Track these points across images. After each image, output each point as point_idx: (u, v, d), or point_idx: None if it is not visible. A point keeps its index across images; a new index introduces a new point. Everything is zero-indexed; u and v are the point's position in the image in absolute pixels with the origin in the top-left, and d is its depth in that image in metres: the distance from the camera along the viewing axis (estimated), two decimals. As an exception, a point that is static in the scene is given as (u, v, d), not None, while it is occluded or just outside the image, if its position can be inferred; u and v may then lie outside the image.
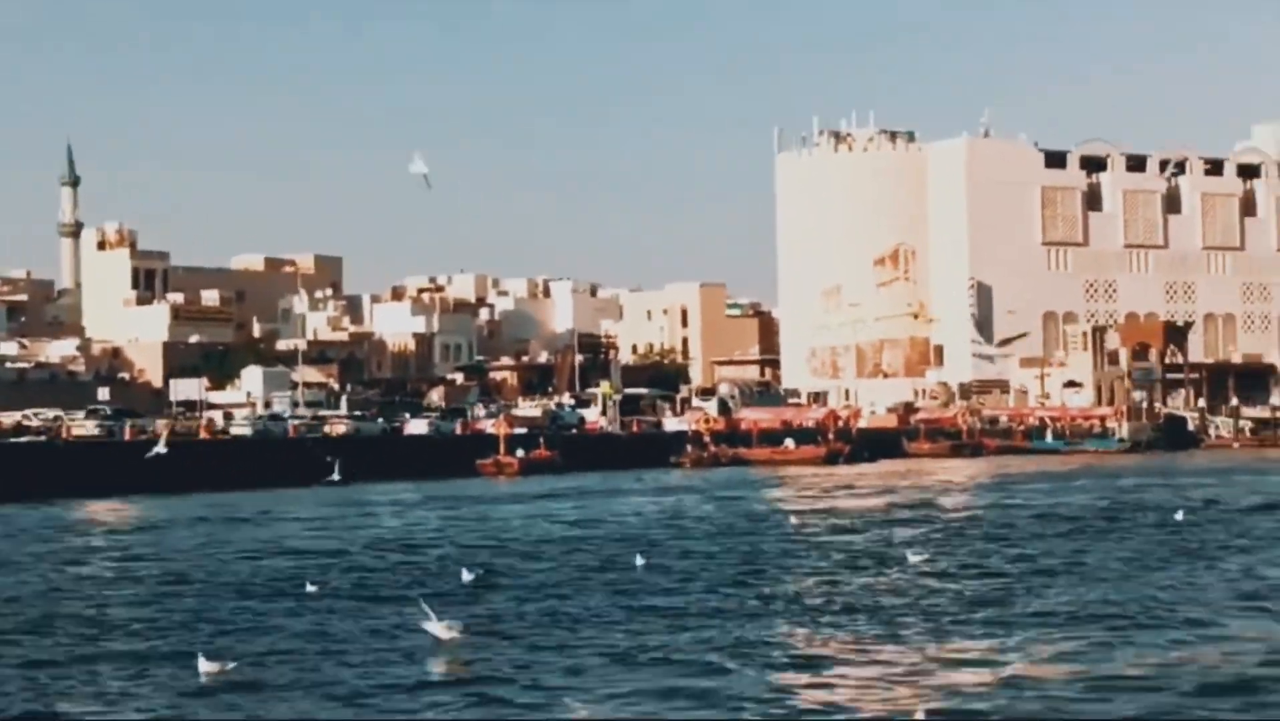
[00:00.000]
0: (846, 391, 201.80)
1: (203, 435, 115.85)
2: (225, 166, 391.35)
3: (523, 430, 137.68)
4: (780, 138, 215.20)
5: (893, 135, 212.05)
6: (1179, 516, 63.66)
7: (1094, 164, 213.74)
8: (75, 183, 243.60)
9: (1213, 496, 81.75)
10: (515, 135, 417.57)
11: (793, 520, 65.84)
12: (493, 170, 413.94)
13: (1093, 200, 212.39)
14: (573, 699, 27.63)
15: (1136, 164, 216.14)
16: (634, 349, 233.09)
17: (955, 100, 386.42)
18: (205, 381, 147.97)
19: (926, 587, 42.27)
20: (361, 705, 28.08)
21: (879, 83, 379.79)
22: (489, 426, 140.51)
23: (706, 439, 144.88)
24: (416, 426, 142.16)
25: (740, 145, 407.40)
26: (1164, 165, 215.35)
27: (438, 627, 33.46)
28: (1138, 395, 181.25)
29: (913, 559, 48.10)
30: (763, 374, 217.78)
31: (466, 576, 44.56)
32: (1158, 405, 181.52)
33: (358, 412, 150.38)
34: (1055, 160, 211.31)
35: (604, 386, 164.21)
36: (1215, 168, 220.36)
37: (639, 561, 48.52)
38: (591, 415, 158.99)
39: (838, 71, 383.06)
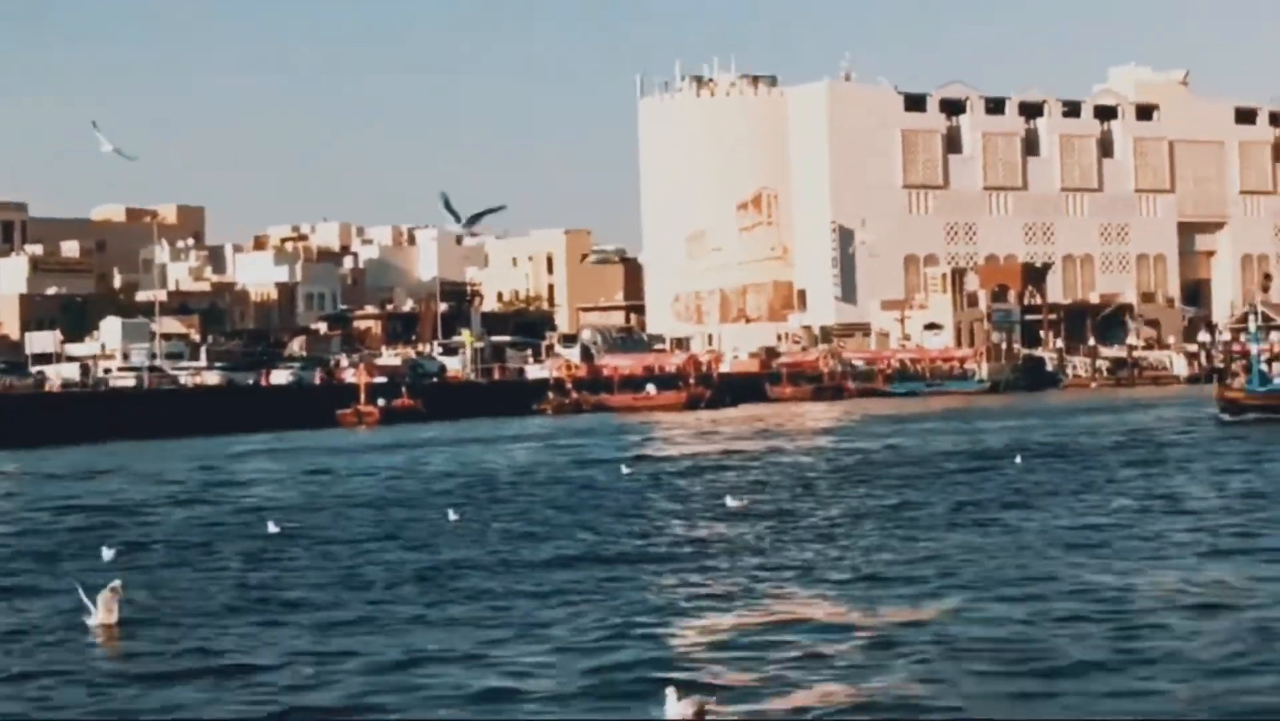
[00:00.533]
0: (710, 337, 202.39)
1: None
2: (86, 114, 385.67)
3: (382, 379, 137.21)
4: (643, 83, 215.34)
5: (754, 80, 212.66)
6: (1018, 460, 63.79)
7: (954, 107, 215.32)
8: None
9: (1056, 437, 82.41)
10: (375, 82, 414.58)
11: (624, 468, 65.47)
12: (355, 117, 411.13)
13: (952, 143, 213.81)
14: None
15: (995, 106, 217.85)
16: (499, 296, 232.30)
17: (816, 45, 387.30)
18: (59, 334, 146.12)
19: (719, 534, 42.01)
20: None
21: (741, 28, 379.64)
22: (349, 376, 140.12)
23: (569, 386, 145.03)
24: (279, 376, 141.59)
25: (604, 90, 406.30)
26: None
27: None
28: (996, 336, 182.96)
29: (731, 503, 47.99)
30: (628, 320, 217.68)
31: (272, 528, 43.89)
32: (1016, 346, 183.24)
33: (219, 364, 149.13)
34: (915, 104, 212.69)
35: (465, 335, 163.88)
36: (1073, 110, 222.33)
37: (451, 516, 47.30)
38: (456, 364, 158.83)
39: (699, 16, 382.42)
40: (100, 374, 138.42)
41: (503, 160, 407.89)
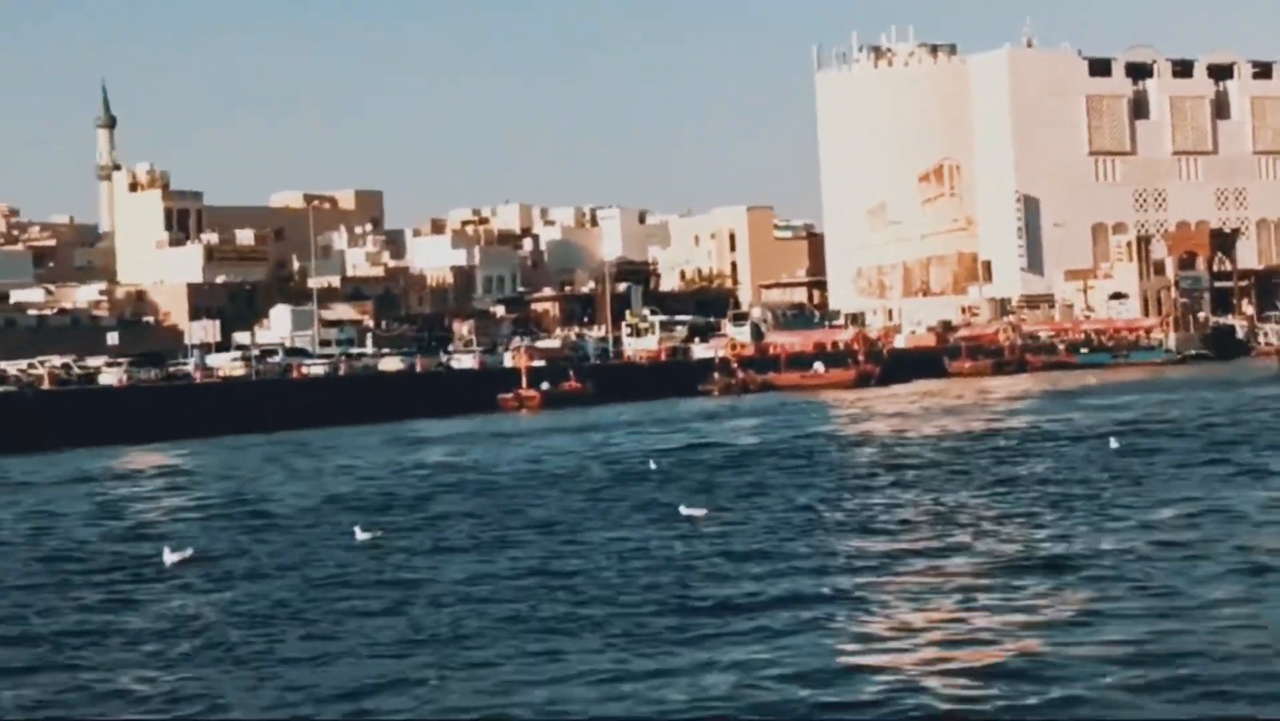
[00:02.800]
0: (890, 311, 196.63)
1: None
2: (264, 104, 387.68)
3: (541, 363, 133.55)
4: (819, 55, 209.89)
5: (934, 49, 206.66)
6: (1113, 444, 58.22)
7: (1140, 71, 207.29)
8: (111, 124, 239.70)
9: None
10: (557, 62, 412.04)
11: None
12: (537, 99, 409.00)
13: (1139, 108, 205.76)
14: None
15: (1183, 69, 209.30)
16: (682, 275, 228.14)
17: (997, 11, 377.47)
18: (218, 323, 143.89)
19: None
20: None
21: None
22: (507, 360, 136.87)
23: (734, 365, 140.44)
24: (464, 361, 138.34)
25: (782, 64, 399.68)
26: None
27: None
28: (1184, 305, 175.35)
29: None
30: (810, 296, 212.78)
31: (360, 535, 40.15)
32: (1205, 314, 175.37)
33: (403, 350, 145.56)
34: (1100, 68, 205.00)
35: (629, 316, 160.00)
36: (1264, 71, 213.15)
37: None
38: (650, 344, 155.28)
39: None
40: (279, 360, 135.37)
41: (683, 138, 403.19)
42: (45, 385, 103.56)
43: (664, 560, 34.14)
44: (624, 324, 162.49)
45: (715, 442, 72.16)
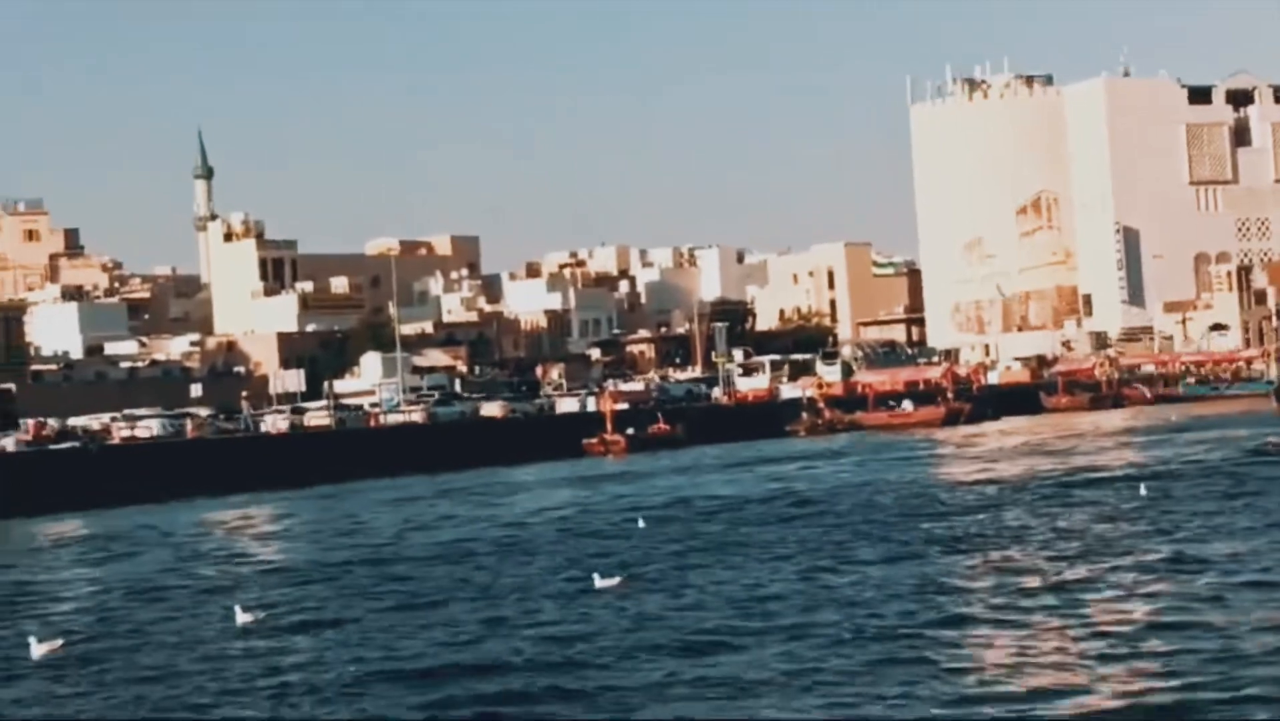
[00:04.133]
0: (987, 347, 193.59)
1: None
2: (360, 151, 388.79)
3: (624, 406, 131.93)
4: (913, 88, 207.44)
5: (1029, 80, 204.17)
6: (1141, 491, 56.03)
7: (1240, 98, 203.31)
8: (208, 175, 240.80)
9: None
10: (653, 103, 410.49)
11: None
12: (634, 141, 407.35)
13: (1240, 136, 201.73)
14: None
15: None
16: (781, 314, 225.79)
17: (1092, 41, 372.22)
18: (301, 372, 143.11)
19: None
20: None
21: (1013, 27, 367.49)
22: (590, 404, 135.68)
23: (821, 405, 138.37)
24: (568, 405, 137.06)
25: (877, 98, 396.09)
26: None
27: None
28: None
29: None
30: (909, 333, 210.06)
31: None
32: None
33: (504, 395, 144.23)
34: (1199, 96, 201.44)
35: (718, 357, 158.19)
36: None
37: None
38: (758, 383, 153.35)
39: (970, 18, 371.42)
40: (367, 407, 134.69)
41: (780, 175, 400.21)
42: (113, 440, 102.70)
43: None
44: (734, 363, 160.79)
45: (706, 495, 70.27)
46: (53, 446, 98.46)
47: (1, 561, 60.45)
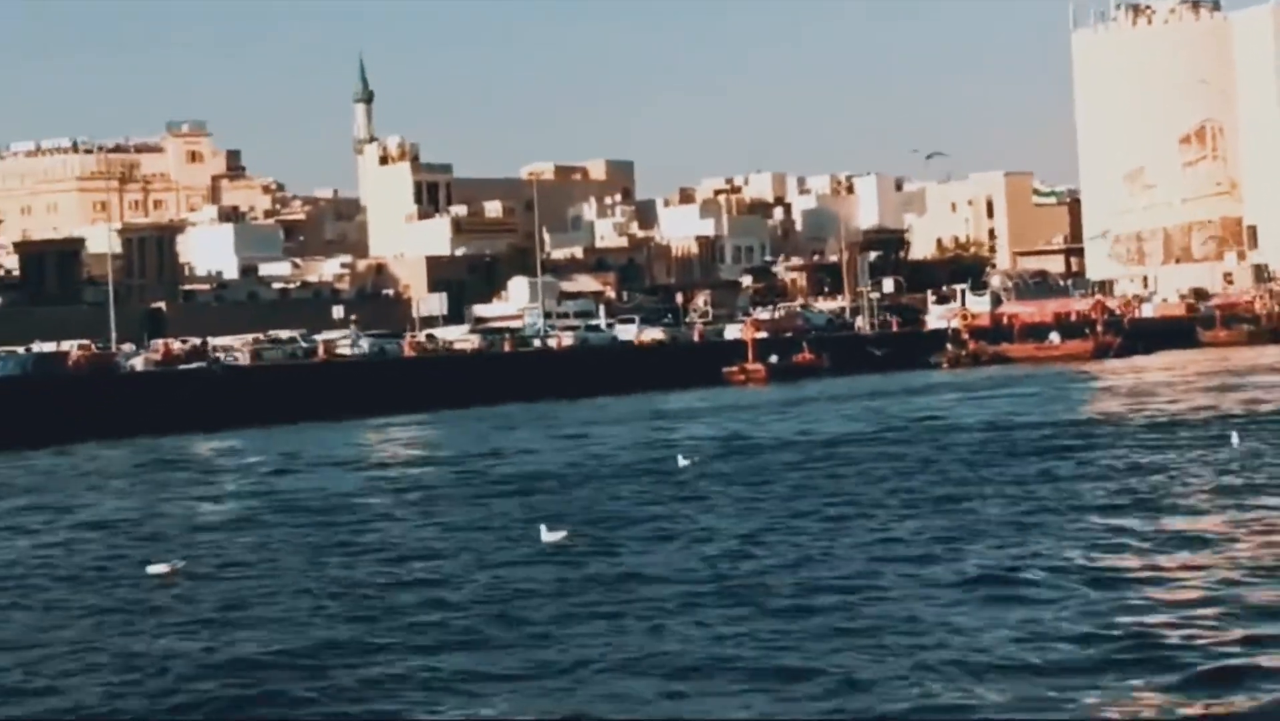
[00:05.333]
0: (1145, 279, 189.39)
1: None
2: (517, 76, 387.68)
3: (763, 335, 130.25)
4: (1075, 13, 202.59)
5: (1195, 4, 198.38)
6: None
7: None
8: (369, 99, 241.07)
9: None
10: (811, 28, 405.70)
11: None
12: (792, 67, 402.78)
13: None
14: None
15: None
16: (938, 243, 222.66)
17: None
18: (444, 296, 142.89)
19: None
20: None
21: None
22: (730, 331, 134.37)
23: (965, 336, 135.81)
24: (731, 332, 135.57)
25: (1037, 23, 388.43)
26: None
27: None
28: None
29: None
30: (1068, 264, 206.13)
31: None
32: None
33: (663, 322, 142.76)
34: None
35: (860, 287, 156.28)
36: None
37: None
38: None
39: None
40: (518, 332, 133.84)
41: (939, 102, 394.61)
42: (247, 361, 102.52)
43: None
44: (962, 288, 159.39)
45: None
46: (182, 367, 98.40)
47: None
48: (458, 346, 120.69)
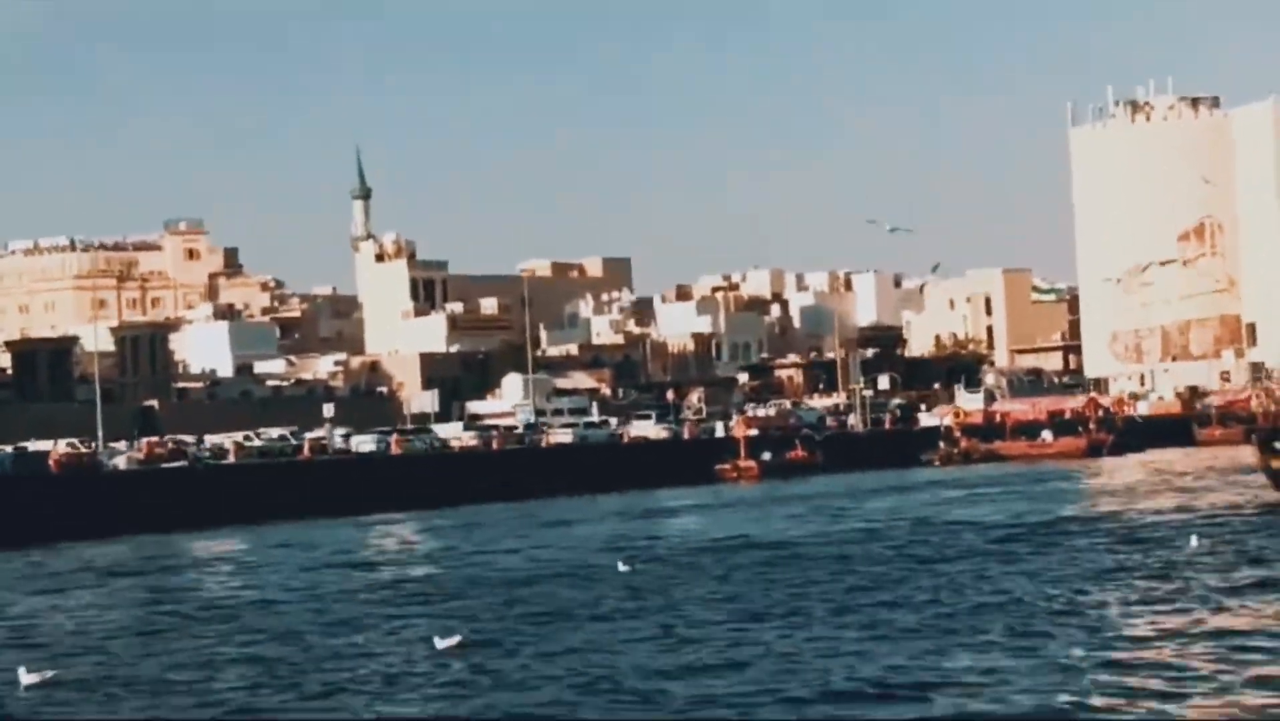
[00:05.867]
0: (1143, 376, 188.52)
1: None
2: (511, 174, 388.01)
3: (754, 431, 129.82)
4: (1074, 110, 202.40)
5: (1194, 102, 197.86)
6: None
7: None
8: (366, 195, 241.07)
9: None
10: (810, 128, 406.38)
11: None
12: (788, 164, 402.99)
13: None
14: None
15: None
16: (937, 340, 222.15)
17: (1261, 60, 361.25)
18: (435, 393, 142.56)
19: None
20: None
21: (1177, 46, 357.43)
22: (719, 430, 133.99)
23: (957, 434, 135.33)
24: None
25: (1037, 121, 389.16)
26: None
27: None
28: None
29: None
30: (1066, 362, 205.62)
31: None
32: None
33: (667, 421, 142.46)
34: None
35: (853, 384, 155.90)
36: None
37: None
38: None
39: (1133, 38, 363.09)
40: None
41: (938, 200, 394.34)
42: (230, 459, 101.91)
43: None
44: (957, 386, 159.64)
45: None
46: (164, 465, 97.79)
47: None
48: (452, 444, 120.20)
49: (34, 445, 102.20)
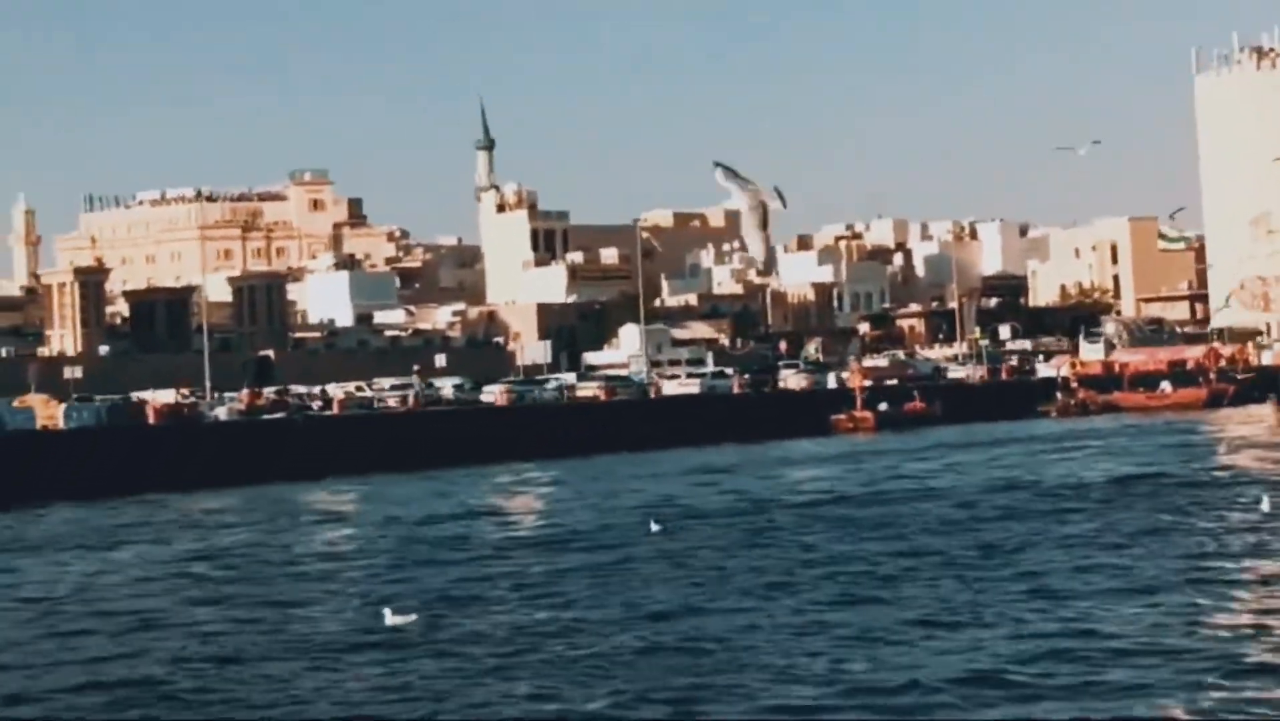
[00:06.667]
0: (1268, 326, 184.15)
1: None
2: (635, 124, 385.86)
3: (868, 382, 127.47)
4: (1198, 57, 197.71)
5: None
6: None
7: None
8: (490, 146, 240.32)
9: None
10: (935, 77, 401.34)
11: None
12: (917, 112, 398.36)
13: None
14: None
15: None
16: (1062, 289, 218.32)
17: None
18: (548, 344, 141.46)
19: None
20: None
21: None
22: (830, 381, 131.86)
23: (1074, 385, 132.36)
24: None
25: (1161, 68, 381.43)
26: None
27: None
28: None
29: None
30: (1193, 310, 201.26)
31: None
32: None
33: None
34: None
35: (970, 335, 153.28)
36: None
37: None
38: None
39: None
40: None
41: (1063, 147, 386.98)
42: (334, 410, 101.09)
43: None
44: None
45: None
46: (265, 416, 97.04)
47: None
48: (580, 395, 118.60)
49: (142, 395, 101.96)
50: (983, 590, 34.15)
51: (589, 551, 45.47)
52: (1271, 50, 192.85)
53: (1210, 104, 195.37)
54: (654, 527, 49.97)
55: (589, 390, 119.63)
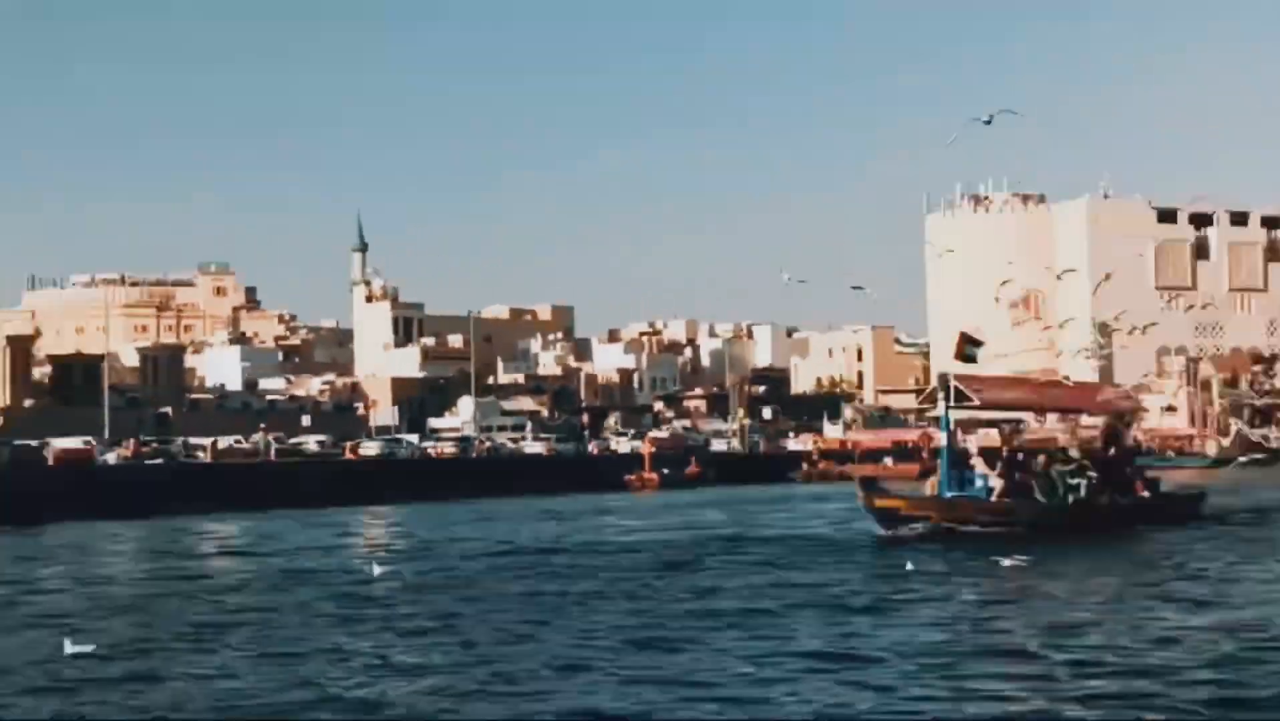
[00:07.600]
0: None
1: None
2: (481, 234, 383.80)
3: (650, 450, 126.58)
4: (928, 201, 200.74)
5: (1024, 197, 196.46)
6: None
7: (1201, 219, 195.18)
8: (364, 248, 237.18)
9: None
10: (722, 205, 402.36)
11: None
12: (707, 235, 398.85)
13: (1201, 251, 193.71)
14: None
15: (1239, 219, 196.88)
16: (818, 381, 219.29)
17: (1080, 164, 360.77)
18: (396, 409, 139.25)
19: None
20: None
21: (1013, 152, 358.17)
22: (622, 447, 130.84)
23: (817, 457, 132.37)
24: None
25: (898, 209, 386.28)
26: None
27: None
28: (1234, 419, 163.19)
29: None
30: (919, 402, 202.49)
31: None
32: (1243, 427, 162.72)
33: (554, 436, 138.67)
34: (1167, 217, 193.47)
35: (736, 416, 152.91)
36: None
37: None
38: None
39: (977, 143, 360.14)
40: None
41: (824, 266, 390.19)
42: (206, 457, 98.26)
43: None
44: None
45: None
46: (146, 462, 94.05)
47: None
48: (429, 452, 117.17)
49: (66, 443, 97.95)
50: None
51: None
52: (986, 198, 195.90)
53: (937, 238, 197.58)
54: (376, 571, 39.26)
55: (436, 448, 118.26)
